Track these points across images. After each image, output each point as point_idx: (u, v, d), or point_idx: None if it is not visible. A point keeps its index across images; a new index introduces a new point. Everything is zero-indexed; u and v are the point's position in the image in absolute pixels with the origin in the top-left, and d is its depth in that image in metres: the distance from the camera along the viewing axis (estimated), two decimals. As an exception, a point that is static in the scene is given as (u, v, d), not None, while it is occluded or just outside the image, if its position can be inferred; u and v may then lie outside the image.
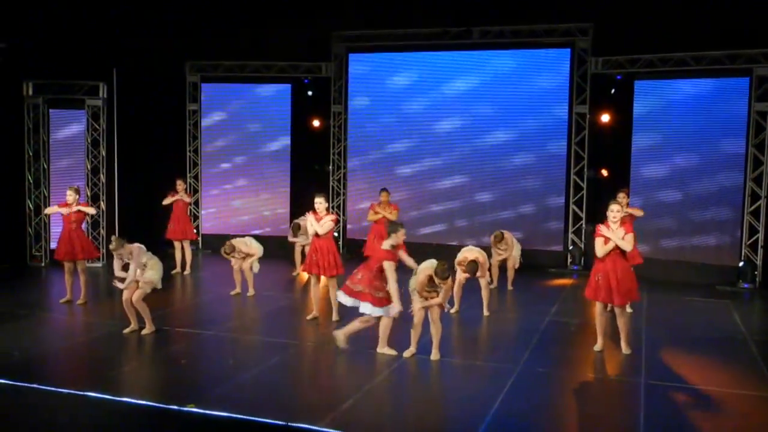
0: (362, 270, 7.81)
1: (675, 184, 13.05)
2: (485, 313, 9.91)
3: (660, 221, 13.11)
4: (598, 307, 8.04)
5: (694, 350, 8.46)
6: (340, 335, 7.92)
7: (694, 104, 12.87)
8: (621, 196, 9.84)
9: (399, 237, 7.69)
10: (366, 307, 7.70)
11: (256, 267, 10.88)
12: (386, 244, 7.68)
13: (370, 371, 7.36)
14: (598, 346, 8.13)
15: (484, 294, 9.96)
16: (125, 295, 8.51)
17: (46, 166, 13.70)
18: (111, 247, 8.57)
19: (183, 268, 12.82)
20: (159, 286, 8.63)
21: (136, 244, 8.54)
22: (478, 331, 9.40)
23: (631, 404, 6.66)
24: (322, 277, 9.71)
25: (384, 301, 7.66)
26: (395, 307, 7.61)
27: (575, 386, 7.20)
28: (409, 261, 7.88)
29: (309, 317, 9.47)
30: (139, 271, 8.42)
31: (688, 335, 9.16)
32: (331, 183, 15.41)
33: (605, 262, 7.79)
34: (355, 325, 7.91)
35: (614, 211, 7.82)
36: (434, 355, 7.69)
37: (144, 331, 8.59)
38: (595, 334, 8.22)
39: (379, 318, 7.78)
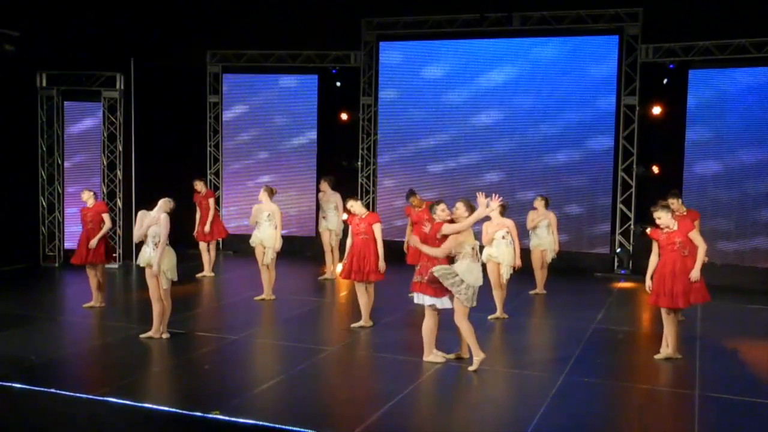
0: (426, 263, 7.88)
1: (733, 182, 12.96)
2: (499, 315, 9.98)
3: (717, 222, 13.03)
4: (662, 312, 8.11)
5: (753, 361, 8.42)
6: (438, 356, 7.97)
7: (755, 95, 12.76)
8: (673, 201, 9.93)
9: (440, 215, 7.76)
10: (419, 298, 7.81)
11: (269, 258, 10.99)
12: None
13: (403, 379, 7.44)
14: (664, 355, 8.16)
15: (500, 294, 10.05)
16: (153, 288, 8.68)
17: (60, 162, 14.01)
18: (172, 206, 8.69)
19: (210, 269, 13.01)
20: (176, 277, 8.79)
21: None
22: (519, 338, 9.44)
23: (684, 417, 6.67)
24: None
25: (440, 292, 7.68)
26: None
27: (623, 398, 7.23)
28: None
29: (354, 325, 9.49)
30: (156, 254, 8.56)
31: (746, 345, 9.12)
32: (359, 180, 15.54)
33: (665, 264, 7.91)
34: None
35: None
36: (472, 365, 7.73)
37: (149, 334, 8.74)
38: (645, 341, 8.23)
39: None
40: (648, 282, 8.13)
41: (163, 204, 8.69)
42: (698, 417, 6.55)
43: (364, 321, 9.46)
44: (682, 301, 7.92)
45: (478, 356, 7.64)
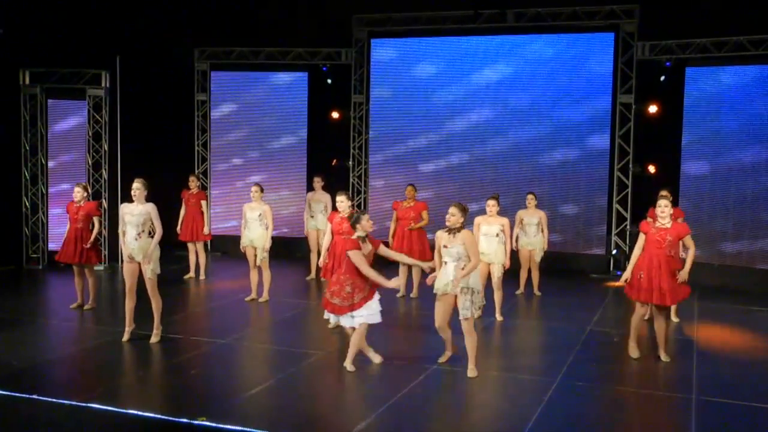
0: (333, 277, 7.91)
1: (731, 182, 12.99)
2: (498, 318, 10.04)
3: (714, 223, 13.05)
4: (638, 310, 8.18)
5: (752, 364, 8.44)
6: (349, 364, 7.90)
7: (753, 93, 12.79)
8: (665, 193, 9.96)
9: (365, 226, 7.68)
10: (345, 320, 7.74)
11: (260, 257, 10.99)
12: (354, 236, 7.73)
13: (395, 383, 7.43)
14: (634, 354, 8.29)
15: (497, 296, 10.06)
16: (130, 282, 8.68)
17: (44, 161, 13.93)
18: (136, 185, 8.68)
19: (197, 272, 12.95)
20: (158, 270, 8.77)
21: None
22: (512, 341, 9.44)
23: (681, 422, 6.67)
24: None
25: (357, 305, 7.61)
26: (391, 283, 7.62)
27: (619, 402, 7.22)
28: (399, 256, 8.21)
29: (330, 325, 9.51)
30: (140, 245, 8.57)
31: (744, 347, 9.14)
32: (351, 180, 15.52)
33: (650, 259, 7.93)
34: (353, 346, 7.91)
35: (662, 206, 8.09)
36: (471, 371, 7.64)
37: (152, 339, 8.72)
38: (642, 344, 8.25)
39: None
40: (628, 273, 8.18)
41: (143, 188, 8.68)
42: (696, 422, 6.55)
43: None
44: (669, 298, 7.98)
45: (472, 364, 7.65)
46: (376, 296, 7.72)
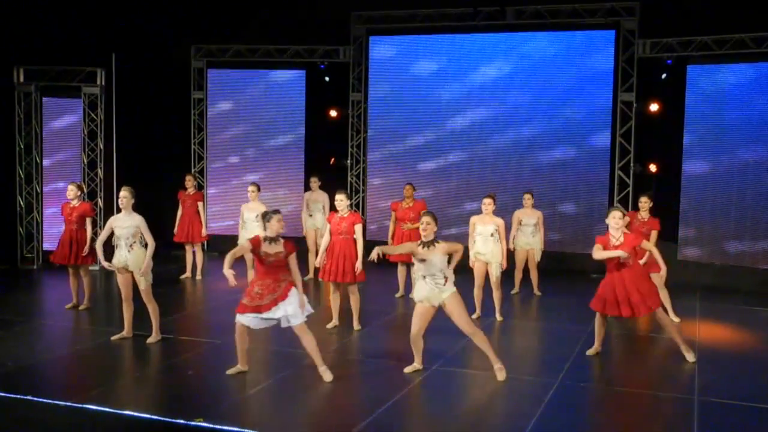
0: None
1: (733, 181, 12.97)
2: (498, 318, 10.05)
3: (715, 222, 13.04)
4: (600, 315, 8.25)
5: (754, 364, 8.43)
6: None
7: (755, 91, 12.77)
8: (644, 200, 9.92)
9: (273, 227, 7.29)
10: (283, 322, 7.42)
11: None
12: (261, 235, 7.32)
13: (393, 385, 7.42)
14: (592, 351, 8.37)
15: (496, 295, 10.06)
16: (125, 291, 8.69)
17: (38, 160, 13.91)
18: (123, 194, 8.61)
19: (193, 273, 12.93)
20: (151, 279, 8.76)
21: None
22: (512, 342, 9.44)
23: (683, 423, 6.66)
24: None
25: (265, 307, 7.28)
26: (227, 272, 7.09)
27: (620, 403, 7.22)
28: (297, 277, 7.46)
29: (329, 326, 9.54)
30: (132, 256, 8.57)
31: (747, 348, 9.14)
32: (349, 179, 15.50)
33: (620, 272, 8.05)
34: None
35: (616, 218, 8.08)
36: (500, 372, 7.52)
37: (149, 340, 8.72)
38: (642, 344, 8.25)
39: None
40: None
41: (130, 197, 8.64)
42: (697, 423, 6.55)
43: (355, 324, 9.47)
44: (643, 308, 7.98)
45: (497, 363, 7.60)
46: (292, 298, 7.32)
